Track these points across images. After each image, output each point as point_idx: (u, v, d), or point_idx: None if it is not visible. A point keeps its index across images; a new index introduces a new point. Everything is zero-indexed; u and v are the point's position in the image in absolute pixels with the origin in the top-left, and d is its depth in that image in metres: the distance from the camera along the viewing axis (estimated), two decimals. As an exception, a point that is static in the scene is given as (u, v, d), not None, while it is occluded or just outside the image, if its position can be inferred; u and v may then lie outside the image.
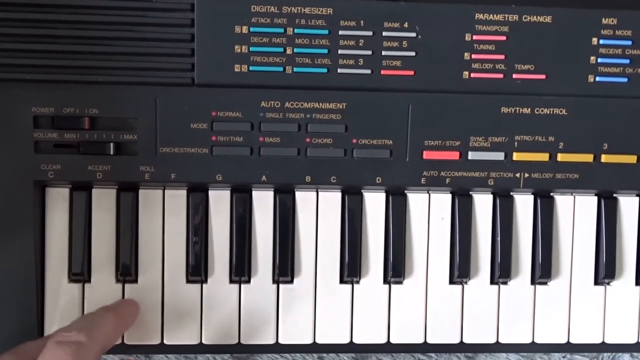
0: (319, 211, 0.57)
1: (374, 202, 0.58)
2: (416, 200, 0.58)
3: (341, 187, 0.57)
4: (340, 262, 0.58)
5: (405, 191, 0.58)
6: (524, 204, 0.59)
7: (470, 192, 0.59)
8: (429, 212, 0.58)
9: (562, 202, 0.59)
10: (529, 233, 0.59)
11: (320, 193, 0.57)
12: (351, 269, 0.57)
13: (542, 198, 0.59)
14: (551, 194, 0.59)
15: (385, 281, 0.59)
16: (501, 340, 0.60)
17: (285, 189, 0.57)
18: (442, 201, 0.58)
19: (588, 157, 0.57)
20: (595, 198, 0.60)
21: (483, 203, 0.59)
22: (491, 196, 0.59)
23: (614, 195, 0.60)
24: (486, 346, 0.60)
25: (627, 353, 0.68)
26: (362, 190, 0.58)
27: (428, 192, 0.58)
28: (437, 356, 0.65)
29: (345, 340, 0.58)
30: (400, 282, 0.59)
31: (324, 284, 0.58)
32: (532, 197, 0.59)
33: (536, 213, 0.59)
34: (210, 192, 0.57)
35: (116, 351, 0.56)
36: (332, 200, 0.57)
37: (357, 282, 0.58)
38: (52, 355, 0.43)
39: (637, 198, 0.60)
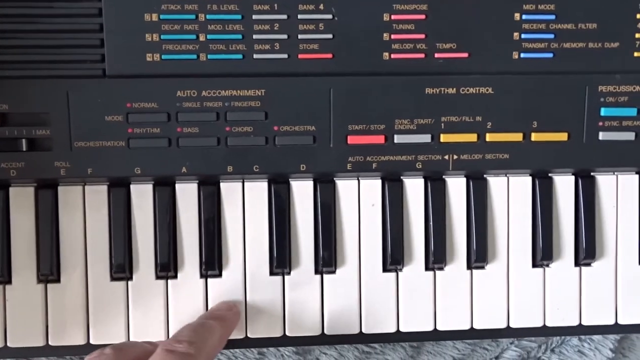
0: (245, 202, 0.48)
1: (302, 191, 0.49)
2: (345, 187, 0.49)
3: (267, 177, 0.48)
4: (269, 253, 0.48)
5: (334, 178, 0.48)
6: (456, 187, 0.50)
7: (401, 177, 0.49)
8: (359, 199, 0.49)
9: (496, 183, 0.50)
10: (462, 217, 0.50)
11: (246, 183, 0.48)
12: (280, 260, 0.48)
13: (474, 180, 0.50)
14: (485, 175, 0.49)
15: (317, 271, 0.49)
16: (439, 328, 0.50)
17: (211, 181, 0.47)
18: (372, 187, 0.49)
19: (517, 137, 0.48)
20: (530, 178, 0.50)
21: (414, 187, 0.49)
22: (422, 180, 0.49)
23: (549, 174, 0.50)
24: (425, 334, 0.52)
25: (574, 336, 0.57)
26: (289, 179, 0.48)
27: (357, 179, 0.48)
28: (381, 347, 0.55)
29: (278, 333, 0.50)
30: (333, 272, 0.49)
31: (252, 277, 0.48)
32: (464, 179, 0.49)
33: (469, 196, 0.49)
34: (132, 187, 0.48)
35: (38, 354, 0.46)
36: (258, 190, 0.48)
37: (288, 273, 0.48)
38: None
39: (573, 177, 0.50)
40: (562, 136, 0.50)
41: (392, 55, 0.47)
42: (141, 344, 0.43)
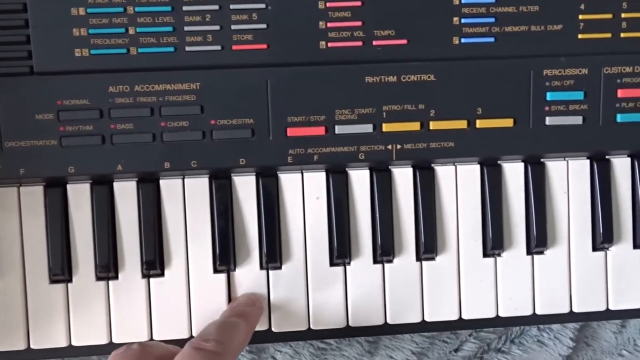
0: (186, 199, 0.44)
1: (244, 186, 0.44)
2: (288, 180, 0.45)
3: (208, 172, 0.43)
4: (213, 250, 0.44)
5: (278, 172, 0.44)
6: (403, 177, 0.46)
7: (346, 169, 0.45)
8: (303, 192, 0.45)
9: (443, 172, 0.46)
10: (410, 208, 0.46)
11: (186, 180, 0.44)
12: (224, 257, 0.45)
13: (421, 170, 0.45)
14: (432, 165, 0.45)
15: (262, 267, 0.45)
16: (390, 321, 0.47)
17: (150, 178, 0.43)
18: (316, 180, 0.45)
19: (462, 124, 0.44)
20: (478, 166, 0.46)
21: (359, 179, 0.45)
22: (367, 171, 0.45)
23: (498, 162, 0.46)
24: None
25: (533, 326, 0.53)
26: (231, 174, 0.44)
27: (301, 171, 0.44)
28: (337, 342, 0.51)
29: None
30: (279, 267, 0.45)
31: (196, 275, 0.44)
32: (411, 169, 0.45)
33: (416, 186, 0.45)
34: (69, 187, 0.44)
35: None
36: (198, 186, 0.44)
37: (234, 270, 0.44)
38: (190, 359, 0.36)
39: (522, 164, 0.46)
40: (508, 122, 0.46)
41: (329, 44, 0.44)
42: (167, 345, 0.40)
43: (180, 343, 0.45)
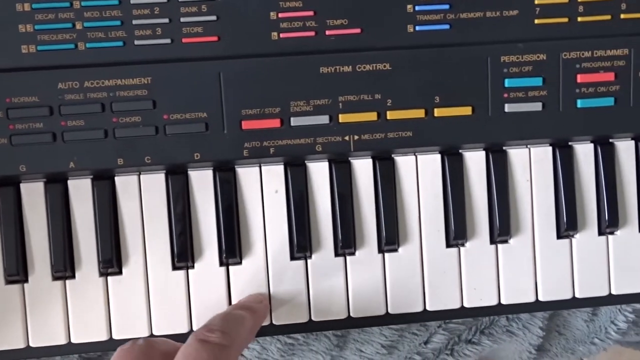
0: (142, 196, 0.42)
1: (201, 181, 0.42)
2: (246, 174, 0.42)
3: (164, 168, 0.41)
4: (171, 248, 0.42)
5: (235, 166, 0.42)
6: (362, 168, 0.43)
7: (305, 161, 0.42)
8: (262, 186, 0.42)
9: (404, 163, 0.43)
10: (371, 199, 0.43)
11: (142, 176, 0.42)
12: (181, 255, 0.43)
13: (380, 160, 0.43)
14: (392, 155, 0.43)
15: (222, 264, 0.42)
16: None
17: (106, 175, 0.41)
18: (274, 173, 0.43)
19: (420, 113, 0.42)
20: (439, 156, 0.43)
21: (318, 171, 0.43)
22: (327, 163, 0.43)
23: (460, 151, 0.43)
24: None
25: (502, 316, 0.51)
26: (187, 170, 0.42)
27: (259, 165, 0.42)
28: (304, 338, 0.49)
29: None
30: (239, 263, 0.43)
31: (155, 272, 0.42)
32: (370, 160, 0.43)
33: (376, 177, 0.43)
34: (22, 186, 0.41)
35: None
36: (155, 182, 0.42)
37: (192, 267, 0.42)
38: (195, 352, 0.35)
39: (483, 152, 0.44)
40: (466, 110, 0.44)
41: (281, 35, 0.42)
42: (172, 341, 0.38)
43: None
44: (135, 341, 0.36)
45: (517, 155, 0.46)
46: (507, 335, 0.53)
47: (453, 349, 0.53)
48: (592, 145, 0.47)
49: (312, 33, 0.42)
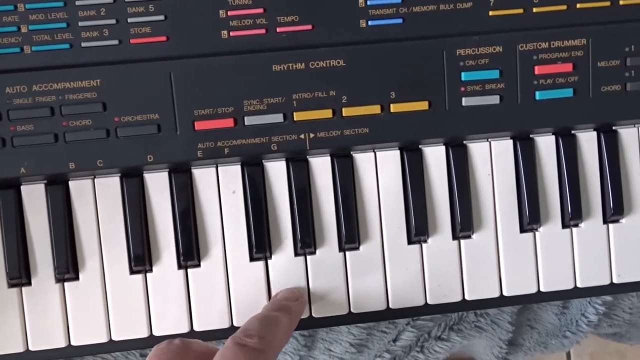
0: (97, 200, 0.40)
1: (156, 183, 0.40)
2: (202, 175, 0.40)
3: (118, 171, 0.39)
4: (127, 251, 0.40)
5: (191, 167, 0.40)
6: (320, 166, 0.41)
7: (263, 161, 0.40)
8: (219, 187, 0.40)
9: (363, 159, 0.41)
10: (330, 197, 0.41)
11: (96, 180, 0.40)
12: (138, 258, 0.40)
13: (339, 158, 0.41)
14: (351, 152, 0.41)
15: (180, 267, 0.40)
16: (314, 314, 0.42)
17: (59, 180, 0.39)
18: (231, 173, 0.41)
19: (375, 109, 0.40)
20: (398, 152, 0.41)
21: (276, 171, 0.41)
22: (284, 162, 0.41)
23: (419, 146, 0.42)
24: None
25: (470, 312, 0.49)
26: (143, 172, 0.40)
27: (215, 166, 0.40)
28: None
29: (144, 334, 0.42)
30: (198, 265, 0.41)
31: (112, 277, 0.40)
32: (328, 158, 0.41)
33: (335, 175, 0.41)
34: (-26, 193, 0.39)
35: None
36: (109, 186, 0.40)
37: (150, 271, 0.40)
38: (233, 357, 0.34)
39: (443, 147, 0.42)
40: (423, 105, 0.42)
41: (232, 33, 0.40)
42: (207, 344, 0.37)
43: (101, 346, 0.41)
44: (171, 341, 0.35)
45: (477, 150, 0.44)
46: (476, 331, 0.51)
47: (423, 346, 0.51)
48: (553, 137, 0.45)
49: (262, 31, 0.40)
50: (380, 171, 0.44)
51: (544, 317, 0.53)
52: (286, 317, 0.39)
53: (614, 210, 0.45)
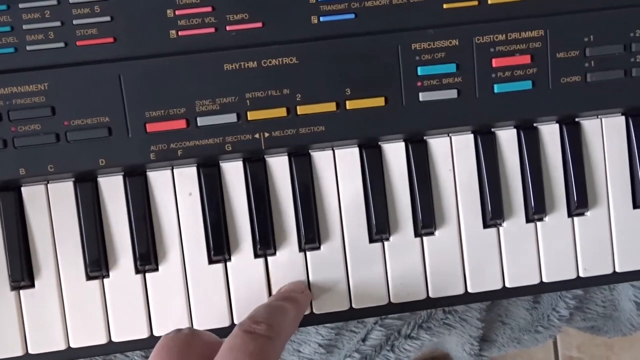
0: (51, 205, 0.38)
1: (111, 187, 0.39)
2: (157, 178, 0.39)
3: (71, 176, 0.38)
4: (83, 255, 0.38)
5: (146, 170, 0.38)
6: (278, 166, 0.40)
7: (219, 162, 0.39)
8: (175, 189, 0.39)
9: (321, 158, 0.40)
10: (289, 197, 0.39)
11: (49, 185, 0.38)
12: (93, 263, 0.39)
13: (296, 157, 0.39)
14: (310, 151, 0.39)
15: (138, 271, 0.39)
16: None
17: (12, 186, 0.38)
18: (187, 175, 0.39)
19: (331, 106, 0.38)
20: (357, 149, 0.40)
21: (233, 171, 0.39)
22: (241, 162, 0.39)
23: (379, 143, 0.40)
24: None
25: (439, 310, 0.47)
26: (97, 177, 0.38)
27: (171, 168, 0.38)
28: None
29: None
30: (156, 269, 0.39)
31: (68, 283, 0.38)
32: (286, 157, 0.39)
33: (292, 174, 0.39)
34: None
35: None
36: (63, 191, 0.38)
37: (107, 276, 0.39)
38: (242, 344, 0.32)
39: (402, 143, 0.40)
40: (379, 101, 0.40)
41: (180, 33, 0.38)
42: (215, 336, 0.36)
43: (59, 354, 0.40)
44: (179, 330, 0.34)
45: (437, 145, 0.43)
46: (445, 328, 0.49)
47: (394, 345, 0.49)
48: (515, 130, 0.43)
49: (212, 29, 0.39)
50: (339, 169, 0.42)
51: (516, 313, 0.52)
52: (293, 307, 0.38)
53: (578, 204, 0.43)
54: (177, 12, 0.39)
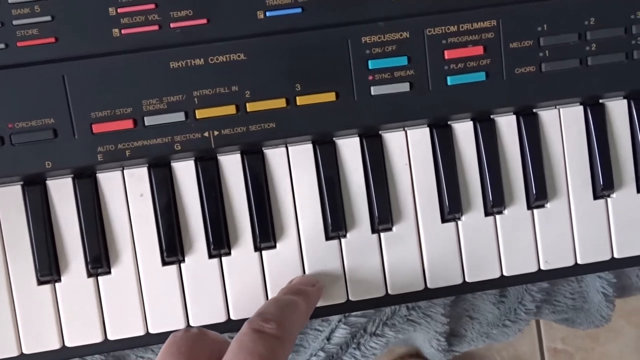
0: None
1: (60, 190, 0.37)
2: (107, 179, 0.37)
3: (19, 179, 0.36)
4: (33, 259, 0.37)
5: (96, 172, 0.37)
6: (230, 164, 0.39)
7: (171, 162, 0.37)
8: (126, 191, 0.37)
9: (274, 155, 0.39)
10: (243, 196, 0.38)
11: None
12: (44, 268, 0.37)
13: (249, 155, 0.38)
14: (263, 149, 0.38)
15: (90, 275, 0.37)
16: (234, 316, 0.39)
17: None
18: (138, 176, 0.38)
19: (281, 102, 0.37)
20: (311, 145, 0.39)
21: (184, 171, 0.38)
22: (192, 162, 0.37)
23: (333, 139, 0.38)
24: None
25: (402, 306, 0.46)
26: (45, 180, 0.37)
27: (121, 169, 0.37)
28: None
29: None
30: (109, 272, 0.37)
31: (18, 287, 0.37)
32: (239, 155, 0.38)
33: (245, 172, 0.38)
34: None
35: None
36: (10, 195, 0.37)
37: (59, 280, 0.37)
38: (251, 343, 0.31)
39: (357, 138, 0.39)
40: (330, 96, 0.38)
41: (123, 31, 0.37)
42: (223, 336, 0.35)
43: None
44: (188, 328, 0.34)
45: (393, 140, 0.41)
46: (409, 324, 0.47)
47: (359, 343, 0.48)
48: (471, 123, 0.41)
49: (155, 27, 0.37)
50: (293, 166, 0.41)
51: (482, 307, 0.50)
52: (303, 302, 0.36)
53: (537, 196, 0.42)
54: (119, 10, 0.37)
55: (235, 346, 0.32)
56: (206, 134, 0.39)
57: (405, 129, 0.42)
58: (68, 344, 0.40)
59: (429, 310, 0.48)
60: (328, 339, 0.48)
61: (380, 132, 0.42)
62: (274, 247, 0.41)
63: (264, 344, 0.32)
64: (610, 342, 1.11)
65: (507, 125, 0.42)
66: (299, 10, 0.38)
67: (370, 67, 0.40)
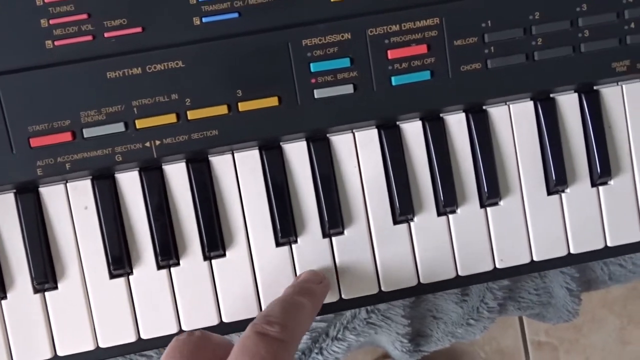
0: None
1: (1, 205, 0.36)
2: (50, 193, 0.36)
3: None
4: None
5: (39, 187, 0.36)
6: (175, 173, 0.37)
7: (114, 174, 0.36)
8: (70, 204, 0.36)
9: (220, 162, 0.37)
10: (189, 204, 0.37)
11: None
12: None
13: (194, 163, 0.37)
14: (208, 156, 0.37)
15: (36, 290, 0.36)
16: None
17: None
18: (81, 189, 0.36)
19: (222, 109, 0.36)
20: (257, 151, 0.37)
21: (128, 182, 0.37)
22: (137, 172, 0.36)
23: (280, 144, 0.37)
24: None
25: (362, 309, 0.45)
26: None
27: (65, 182, 0.36)
28: (157, 354, 0.43)
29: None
30: (55, 287, 0.36)
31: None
32: (183, 164, 0.37)
33: (191, 182, 0.37)
34: None
35: None
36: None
37: (4, 297, 0.36)
38: (254, 347, 0.30)
39: (304, 143, 0.37)
40: (273, 101, 0.37)
41: (56, 43, 0.35)
42: (225, 338, 0.35)
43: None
44: (191, 332, 0.33)
45: (340, 142, 0.40)
46: (370, 327, 0.46)
47: (322, 348, 0.47)
48: (420, 122, 0.40)
49: (89, 37, 0.36)
50: (240, 172, 0.40)
51: (445, 307, 0.49)
52: (309, 302, 0.35)
53: (489, 194, 0.40)
54: (51, 22, 0.36)
55: (237, 349, 0.31)
56: (147, 144, 0.38)
57: (353, 131, 0.40)
58: (16, 358, 0.38)
59: (388, 312, 0.47)
60: (289, 344, 0.47)
61: (327, 135, 0.40)
62: (224, 255, 0.40)
63: (266, 347, 0.31)
64: (593, 333, 1.10)
65: (456, 123, 0.41)
66: (236, 15, 0.37)
67: (312, 70, 0.38)
